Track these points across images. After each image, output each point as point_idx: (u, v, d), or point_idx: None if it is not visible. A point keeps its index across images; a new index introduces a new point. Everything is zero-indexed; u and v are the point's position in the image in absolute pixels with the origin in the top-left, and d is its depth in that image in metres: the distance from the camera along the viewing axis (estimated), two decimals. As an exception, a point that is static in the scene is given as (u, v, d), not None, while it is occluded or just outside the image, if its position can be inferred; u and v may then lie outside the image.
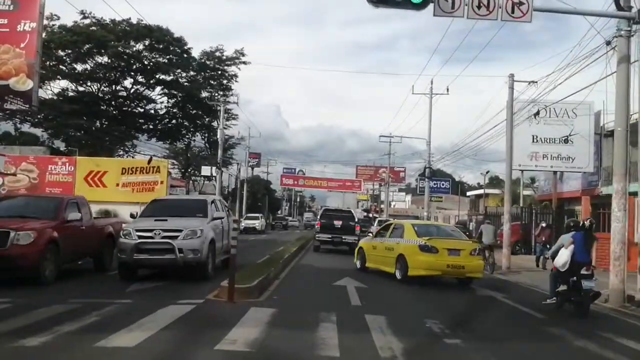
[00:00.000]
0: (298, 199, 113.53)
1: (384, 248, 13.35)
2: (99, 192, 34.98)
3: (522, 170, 27.26)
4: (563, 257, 9.11)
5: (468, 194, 63.89)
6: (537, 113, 19.12)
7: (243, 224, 38.42)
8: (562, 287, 9.29)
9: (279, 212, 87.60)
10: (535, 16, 10.01)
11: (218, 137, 34.02)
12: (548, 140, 24.42)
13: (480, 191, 59.44)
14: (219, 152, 33.88)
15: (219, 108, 34.54)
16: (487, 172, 49.72)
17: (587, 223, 9.57)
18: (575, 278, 9.02)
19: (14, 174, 28.50)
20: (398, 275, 12.29)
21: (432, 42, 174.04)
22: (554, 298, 9.41)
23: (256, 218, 43.13)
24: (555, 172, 26.21)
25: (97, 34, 36.71)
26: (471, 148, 28.34)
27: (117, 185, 34.53)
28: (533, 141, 24.25)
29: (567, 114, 23.86)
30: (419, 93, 31.50)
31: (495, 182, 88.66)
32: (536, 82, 17.20)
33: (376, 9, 9.66)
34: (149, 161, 29.76)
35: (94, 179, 35.57)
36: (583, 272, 8.99)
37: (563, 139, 24.08)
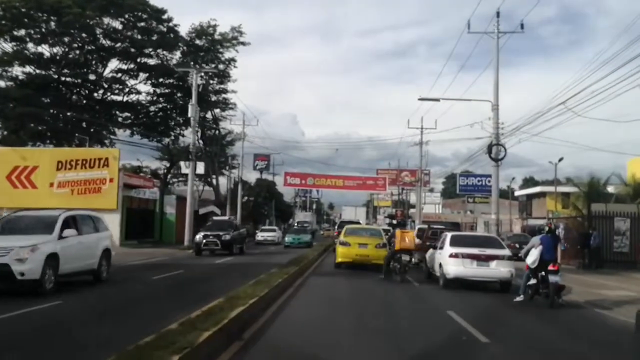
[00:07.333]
0: (314, 206, 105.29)
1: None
2: (27, 195, 26.52)
3: None
4: (533, 256, 11.17)
5: (516, 194, 54.43)
6: None
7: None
8: (533, 281, 11.23)
9: (290, 220, 79.35)
10: None
11: (189, 114, 26.29)
12: None
13: (534, 189, 49.38)
14: (192, 136, 26.24)
15: (195, 79, 26.76)
16: (560, 159, 39.81)
17: (552, 227, 11.85)
18: (543, 273, 10.93)
19: None
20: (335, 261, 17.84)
21: (447, 49, 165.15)
22: (522, 296, 11.37)
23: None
24: None
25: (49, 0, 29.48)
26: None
27: (52, 185, 27.32)
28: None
29: None
30: (478, 32, 21.13)
31: (530, 183, 79.55)
32: None
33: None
34: None
35: (19, 177, 27.02)
36: (550, 268, 10.75)
37: None
